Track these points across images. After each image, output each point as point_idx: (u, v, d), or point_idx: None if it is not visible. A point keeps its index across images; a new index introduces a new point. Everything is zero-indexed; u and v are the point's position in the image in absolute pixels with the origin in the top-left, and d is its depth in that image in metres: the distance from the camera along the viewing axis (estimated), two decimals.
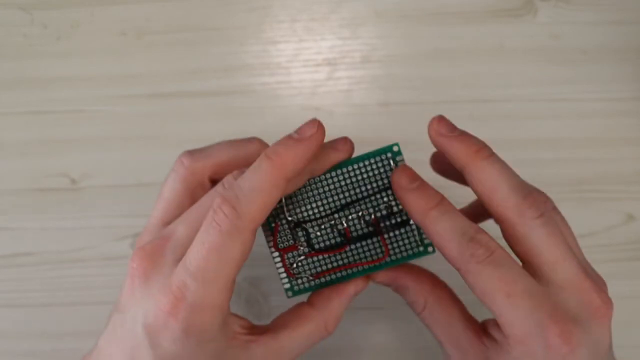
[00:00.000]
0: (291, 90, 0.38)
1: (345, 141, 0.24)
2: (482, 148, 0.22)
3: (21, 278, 0.36)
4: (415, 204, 0.22)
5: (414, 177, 0.23)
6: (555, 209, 0.22)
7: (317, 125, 0.22)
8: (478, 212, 0.27)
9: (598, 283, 0.21)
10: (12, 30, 0.39)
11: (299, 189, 0.24)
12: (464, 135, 0.23)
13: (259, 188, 0.20)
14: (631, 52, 0.37)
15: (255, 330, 0.23)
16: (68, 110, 0.38)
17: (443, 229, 0.21)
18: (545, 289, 0.20)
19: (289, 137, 0.21)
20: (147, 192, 0.36)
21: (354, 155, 0.25)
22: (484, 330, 0.23)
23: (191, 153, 0.24)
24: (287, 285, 0.25)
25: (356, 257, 0.24)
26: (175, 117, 0.37)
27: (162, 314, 0.20)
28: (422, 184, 0.23)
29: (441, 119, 0.23)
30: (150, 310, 0.20)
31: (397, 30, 0.38)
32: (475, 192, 0.22)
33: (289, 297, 0.25)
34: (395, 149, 0.24)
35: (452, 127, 0.23)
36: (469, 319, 0.23)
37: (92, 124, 0.37)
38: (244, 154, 0.24)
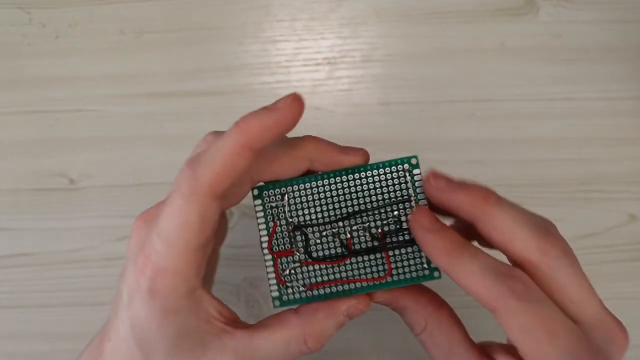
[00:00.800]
0: (291, 90, 0.37)
1: (358, 149, 0.23)
2: (488, 194, 0.21)
3: (20, 278, 0.36)
4: (439, 244, 0.21)
5: (436, 219, 0.22)
6: (565, 241, 0.21)
7: (292, 98, 0.21)
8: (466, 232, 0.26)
9: (616, 317, 0.21)
10: (10, 29, 0.38)
11: (305, 190, 0.23)
12: (465, 185, 0.21)
13: (219, 153, 0.20)
14: (632, 51, 0.37)
15: (235, 324, 0.22)
16: (67, 109, 0.37)
17: (473, 268, 0.20)
18: (579, 328, 0.20)
19: (263, 107, 0.21)
20: (147, 192, 0.36)
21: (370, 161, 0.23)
22: (486, 354, 0.22)
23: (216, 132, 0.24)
24: (276, 293, 0.23)
25: (355, 272, 0.23)
26: (175, 116, 0.37)
27: (135, 273, 0.20)
28: (445, 226, 0.22)
29: (436, 174, 0.22)
30: (133, 270, 0.20)
31: (397, 30, 0.38)
32: (490, 240, 0.21)
33: (275, 306, 0.23)
34: (413, 161, 0.23)
35: (449, 180, 0.22)
36: (469, 342, 0.22)
37: (91, 124, 0.37)
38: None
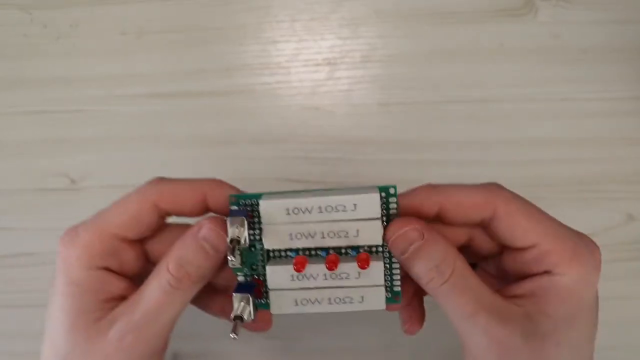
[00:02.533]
0: (291, 90, 0.38)
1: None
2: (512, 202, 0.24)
3: (21, 278, 0.36)
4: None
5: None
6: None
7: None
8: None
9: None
10: (11, 30, 0.38)
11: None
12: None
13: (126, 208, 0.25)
14: (632, 51, 0.37)
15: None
16: (68, 110, 0.38)
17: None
18: None
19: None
20: None
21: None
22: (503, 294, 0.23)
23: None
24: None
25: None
26: (175, 117, 0.37)
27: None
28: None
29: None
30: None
31: (397, 30, 0.38)
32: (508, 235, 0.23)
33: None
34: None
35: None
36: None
37: (92, 124, 0.37)
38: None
